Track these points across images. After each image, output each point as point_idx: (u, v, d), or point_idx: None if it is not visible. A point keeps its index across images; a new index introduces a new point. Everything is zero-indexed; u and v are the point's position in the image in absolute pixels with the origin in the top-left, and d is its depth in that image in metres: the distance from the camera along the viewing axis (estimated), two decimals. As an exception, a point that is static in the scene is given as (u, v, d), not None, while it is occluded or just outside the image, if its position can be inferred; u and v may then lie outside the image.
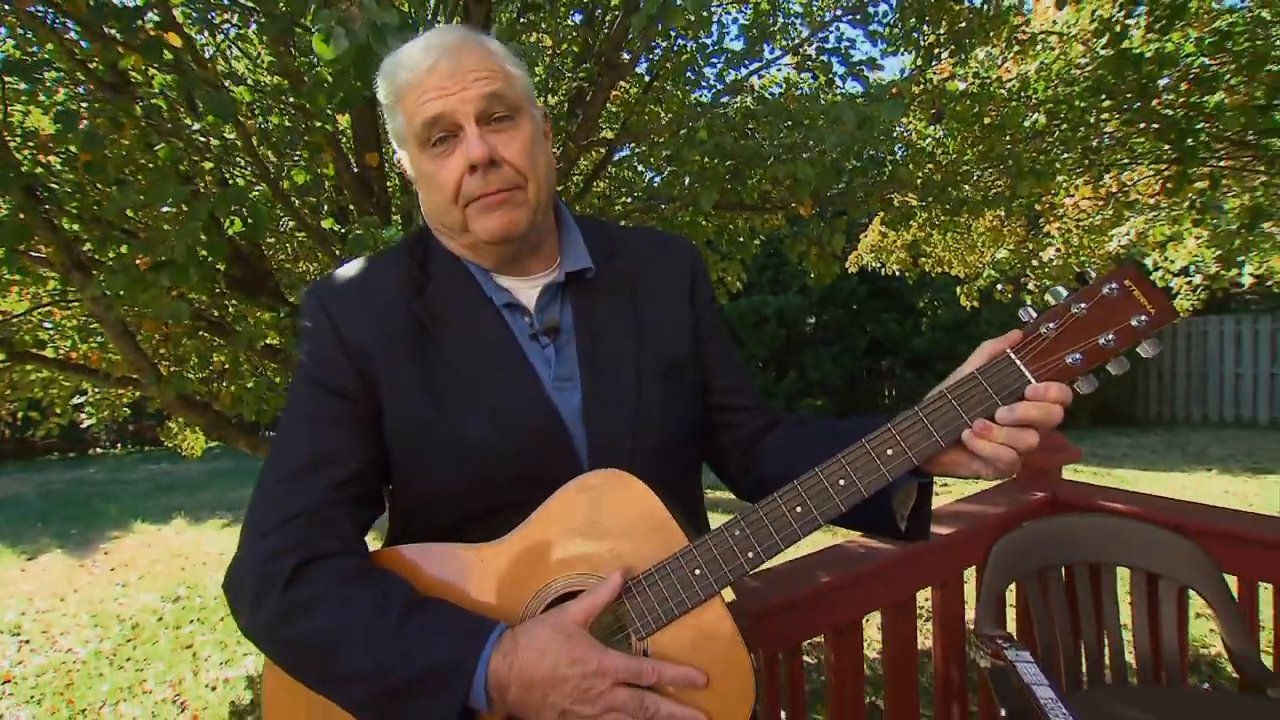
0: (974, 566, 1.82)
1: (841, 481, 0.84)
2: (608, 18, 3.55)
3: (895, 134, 4.69)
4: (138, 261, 1.67)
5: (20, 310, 3.22)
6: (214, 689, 4.20)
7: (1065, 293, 0.84)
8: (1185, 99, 3.50)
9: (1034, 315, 0.83)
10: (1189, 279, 6.57)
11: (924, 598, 1.82)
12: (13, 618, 5.49)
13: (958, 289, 7.06)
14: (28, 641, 5.05)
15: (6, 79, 2.20)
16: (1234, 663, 1.53)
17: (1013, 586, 1.75)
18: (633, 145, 3.86)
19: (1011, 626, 1.99)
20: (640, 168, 4.67)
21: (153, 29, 1.79)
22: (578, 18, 3.89)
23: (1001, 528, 1.76)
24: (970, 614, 1.85)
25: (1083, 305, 0.81)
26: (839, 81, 3.95)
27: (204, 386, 2.41)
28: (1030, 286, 6.69)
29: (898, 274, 6.94)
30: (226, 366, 2.47)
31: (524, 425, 0.93)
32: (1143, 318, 0.80)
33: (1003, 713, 1.29)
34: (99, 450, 13.71)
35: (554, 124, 3.83)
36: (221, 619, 5.24)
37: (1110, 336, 0.80)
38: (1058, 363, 0.81)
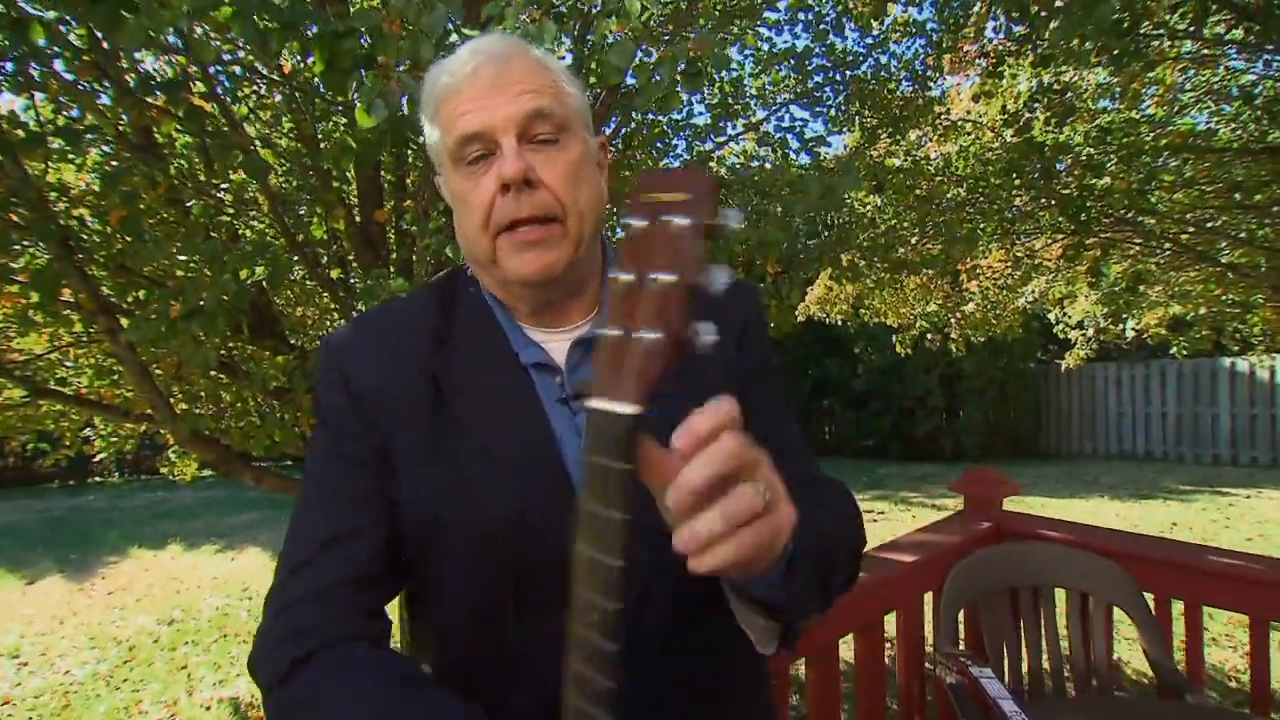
0: (930, 591, 1.83)
1: None
2: (596, 88, 3.62)
3: (847, 202, 4.87)
4: (169, 309, 1.62)
5: (41, 350, 3.10)
6: (208, 709, 3.97)
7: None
8: (1079, 181, 3.69)
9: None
10: (1084, 332, 6.86)
11: (890, 621, 1.81)
12: (12, 640, 5.15)
13: (894, 337, 7.24)
14: (26, 664, 4.73)
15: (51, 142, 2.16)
16: (1154, 670, 1.56)
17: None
18: (610, 207, 3.90)
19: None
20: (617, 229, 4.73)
21: (193, 98, 1.77)
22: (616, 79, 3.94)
23: (954, 556, 1.78)
24: (929, 633, 1.86)
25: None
26: (794, 155, 4.10)
27: (214, 423, 2.34)
28: (954, 335, 6.91)
29: (840, 322, 7.07)
30: (236, 404, 2.39)
31: (544, 510, 0.73)
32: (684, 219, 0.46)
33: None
34: (99, 479, 13.07)
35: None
36: (215, 641, 4.98)
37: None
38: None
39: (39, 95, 2.10)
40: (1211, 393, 10.24)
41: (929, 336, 6.71)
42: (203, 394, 2.71)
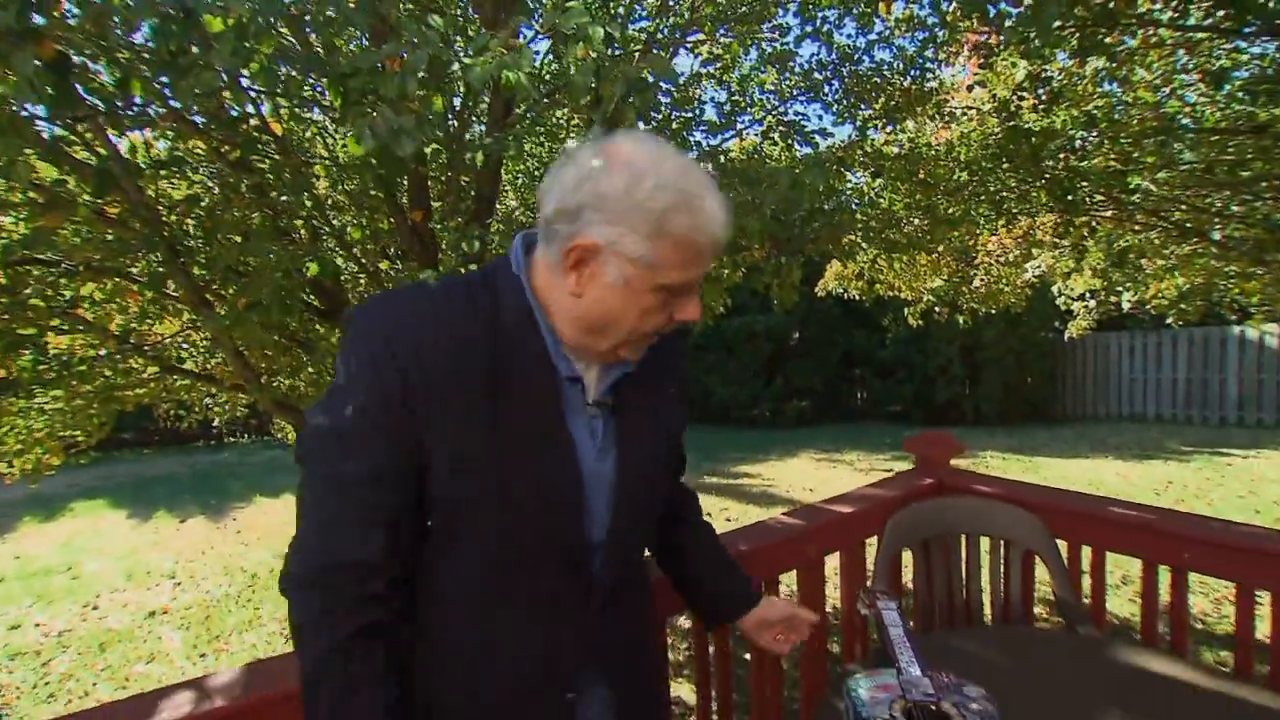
0: (874, 537, 1.87)
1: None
2: (612, 104, 3.65)
3: (850, 187, 4.75)
4: (239, 302, 1.80)
5: (169, 333, 3.42)
6: (310, 624, 4.36)
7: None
8: (1066, 163, 3.51)
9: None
10: (1086, 303, 6.50)
11: (834, 561, 1.87)
12: (169, 565, 5.74)
13: (905, 310, 7.05)
14: (179, 583, 5.28)
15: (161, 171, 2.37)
16: (1059, 607, 1.57)
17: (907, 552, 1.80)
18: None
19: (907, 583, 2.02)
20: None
21: (249, 128, 1.92)
22: (586, 98, 3.99)
23: (898, 506, 1.81)
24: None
25: None
26: (797, 147, 4.02)
27: (293, 392, 2.54)
28: (963, 307, 6.67)
29: (858, 298, 6.94)
30: (312, 375, 2.60)
31: (561, 499, 0.82)
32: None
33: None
34: (232, 440, 14.06)
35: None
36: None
37: None
38: None
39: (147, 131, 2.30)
40: (1221, 359, 9.56)
41: (936, 310, 6.50)
42: (287, 368, 2.94)
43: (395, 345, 0.75)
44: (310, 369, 2.58)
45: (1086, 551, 1.69)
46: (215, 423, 4.10)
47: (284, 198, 2.07)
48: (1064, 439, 9.20)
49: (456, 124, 2.33)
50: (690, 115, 4.08)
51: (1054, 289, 6.40)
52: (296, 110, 2.46)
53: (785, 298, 4.03)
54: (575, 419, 0.83)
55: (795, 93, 4.19)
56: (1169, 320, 5.29)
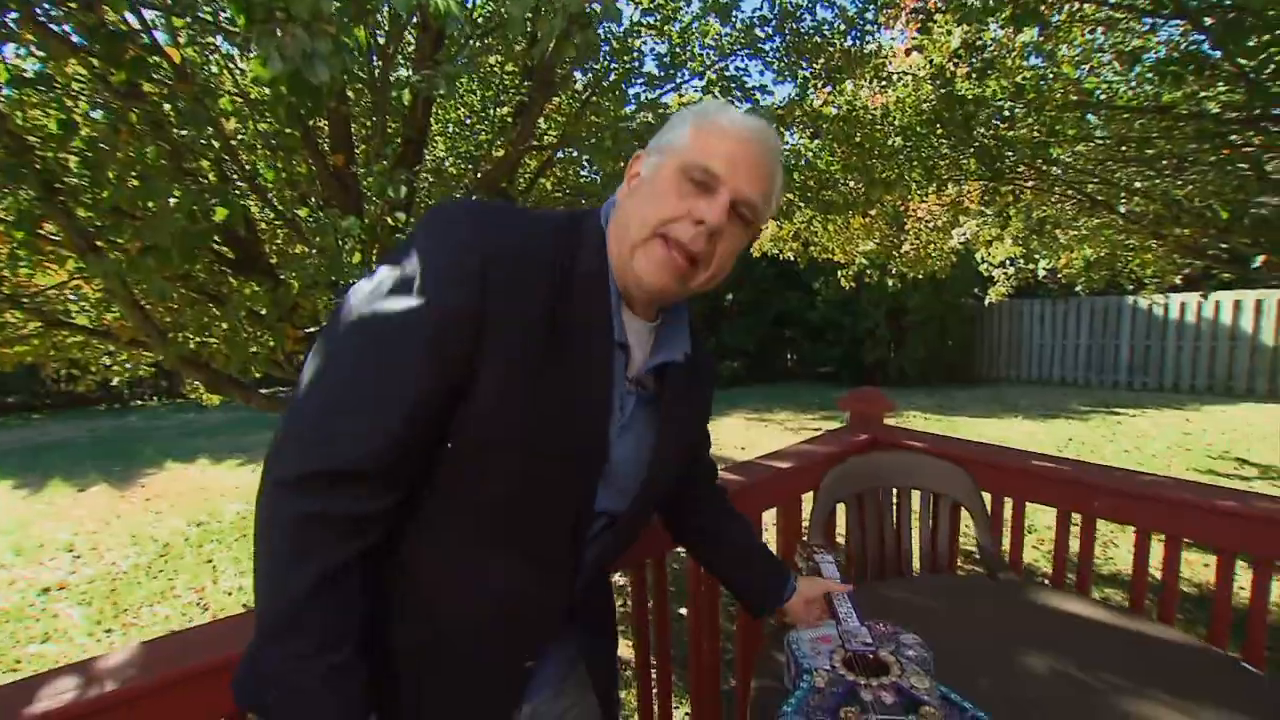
0: (811, 492, 1.91)
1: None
2: (550, 45, 3.48)
3: (788, 147, 4.74)
4: (134, 247, 1.60)
5: (52, 284, 3.07)
6: (230, 594, 4.16)
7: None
8: (995, 132, 3.62)
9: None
10: (1006, 270, 6.86)
11: (771, 517, 1.90)
12: (66, 537, 5.32)
13: (838, 272, 7.22)
14: (79, 556, 4.91)
15: (25, 90, 2.07)
16: (981, 556, 1.66)
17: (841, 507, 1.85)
18: (568, 149, 3.82)
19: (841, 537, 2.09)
20: (578, 168, 4.63)
21: (136, 50, 1.69)
22: (523, 42, 3.80)
23: (833, 462, 1.84)
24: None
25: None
26: (737, 103, 3.97)
27: (200, 348, 2.33)
28: (893, 271, 6.89)
29: (794, 259, 7.05)
30: (224, 330, 2.39)
31: (585, 463, 0.79)
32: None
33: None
34: (139, 402, 13.09)
35: (500, 130, 3.81)
36: (236, 540, 5.14)
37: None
38: None
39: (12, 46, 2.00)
40: (1116, 327, 10.39)
41: (868, 272, 6.69)
42: (194, 323, 2.70)
43: (486, 261, 0.70)
44: (223, 324, 2.37)
45: (1008, 502, 1.79)
46: (115, 383, 3.75)
47: (183, 133, 1.84)
48: (980, 399, 9.81)
49: (380, 62, 2.14)
50: (629, 66, 3.95)
51: (977, 256, 6.69)
52: (194, 34, 2.19)
53: (724, 258, 4.01)
54: (619, 389, 0.83)
55: (736, 48, 4.12)
56: (1078, 288, 5.63)
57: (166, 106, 2.12)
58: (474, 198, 3.30)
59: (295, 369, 2.83)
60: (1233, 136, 3.37)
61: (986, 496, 1.77)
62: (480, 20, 3.00)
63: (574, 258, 0.77)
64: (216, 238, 2.15)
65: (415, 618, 0.79)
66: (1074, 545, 1.72)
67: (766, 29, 4.04)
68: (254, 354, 2.21)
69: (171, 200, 1.76)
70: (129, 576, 4.48)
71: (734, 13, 3.50)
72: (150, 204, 1.89)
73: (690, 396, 0.93)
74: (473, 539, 0.78)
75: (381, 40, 2.02)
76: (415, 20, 2.34)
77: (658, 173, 0.78)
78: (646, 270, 0.76)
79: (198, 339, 2.42)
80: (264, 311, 2.20)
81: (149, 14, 2.35)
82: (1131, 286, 5.93)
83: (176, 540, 5.18)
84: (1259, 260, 3.82)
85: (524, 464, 0.74)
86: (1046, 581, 1.79)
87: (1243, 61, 2.75)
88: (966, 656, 1.08)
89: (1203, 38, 3.13)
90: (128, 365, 3.27)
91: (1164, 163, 3.58)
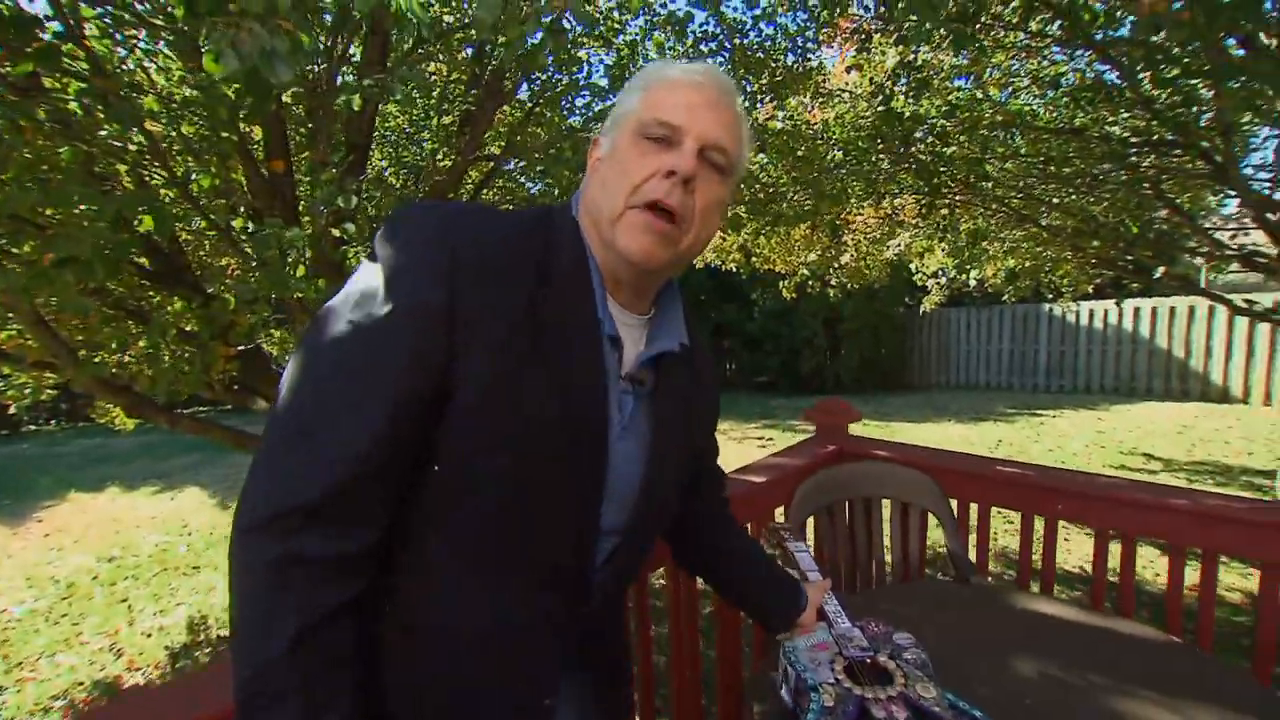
0: (782, 506, 1.92)
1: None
2: (495, 53, 3.42)
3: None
4: (43, 257, 1.43)
5: (-71, 300, 2.73)
6: (149, 635, 3.80)
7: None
8: (931, 149, 3.81)
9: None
10: (938, 280, 7.24)
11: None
12: (-60, 586, 4.74)
13: (780, 283, 7.40)
14: (-43, 604, 4.38)
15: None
16: (951, 560, 1.71)
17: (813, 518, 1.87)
18: (515, 160, 3.75)
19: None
20: (523, 180, 4.56)
21: (51, 38, 1.53)
22: (469, 51, 3.72)
23: (804, 474, 1.86)
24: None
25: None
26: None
27: (120, 370, 2.12)
28: (833, 282, 7.13)
29: (735, 270, 7.17)
30: (148, 351, 2.18)
31: (583, 467, 0.74)
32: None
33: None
34: (33, 427, 11.90)
35: (445, 140, 3.70)
36: (155, 575, 4.72)
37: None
38: None
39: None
40: (1035, 333, 11.15)
41: (810, 283, 6.90)
42: (112, 343, 2.47)
43: (455, 255, 0.67)
44: (142, 343, 2.16)
45: (973, 508, 1.85)
46: (12, 410, 3.37)
47: (102, 132, 1.68)
48: (913, 405, 10.26)
49: (326, 65, 2.03)
50: (577, 77, 3.93)
51: (911, 266, 7.01)
52: (108, 26, 2.01)
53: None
54: (613, 389, 0.78)
55: (683, 61, 4.18)
56: (1005, 297, 5.99)
57: (73, 104, 1.94)
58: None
59: (226, 389, 2.64)
60: (1134, 158, 3.69)
61: (953, 503, 1.83)
62: (443, 24, 2.91)
63: (550, 251, 0.74)
64: (134, 248, 1.97)
65: (416, 664, 0.72)
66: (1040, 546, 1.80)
67: (711, 44, 4.12)
68: (183, 374, 2.03)
69: (90, 208, 1.60)
70: (24, 624, 4.02)
71: (688, 25, 3.54)
72: (59, 211, 1.71)
73: (689, 394, 0.88)
74: (470, 566, 0.72)
75: (328, 43, 1.91)
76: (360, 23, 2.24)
77: (616, 145, 0.75)
78: (628, 242, 0.72)
79: (115, 359, 2.20)
80: (193, 329, 2.03)
81: None
82: (1051, 295, 6.35)
83: (82, 579, 4.71)
84: (1160, 271, 4.18)
85: (514, 469, 0.69)
86: (1013, 583, 1.85)
87: (1153, 91, 3.01)
88: (959, 663, 1.09)
89: (1105, 68, 3.43)
90: (26, 390, 2.94)
91: (1079, 181, 3.87)
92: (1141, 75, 2.89)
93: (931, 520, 1.89)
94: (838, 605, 1.15)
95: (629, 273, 0.76)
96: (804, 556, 1.27)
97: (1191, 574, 1.71)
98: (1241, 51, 2.48)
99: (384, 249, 0.68)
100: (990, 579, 1.94)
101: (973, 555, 1.91)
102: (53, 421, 11.93)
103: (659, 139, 0.72)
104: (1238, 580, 3.53)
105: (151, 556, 5.09)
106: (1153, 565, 3.73)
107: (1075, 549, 3.96)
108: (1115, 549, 1.65)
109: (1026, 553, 1.78)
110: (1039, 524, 1.75)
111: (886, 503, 1.93)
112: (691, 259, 0.80)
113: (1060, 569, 3.66)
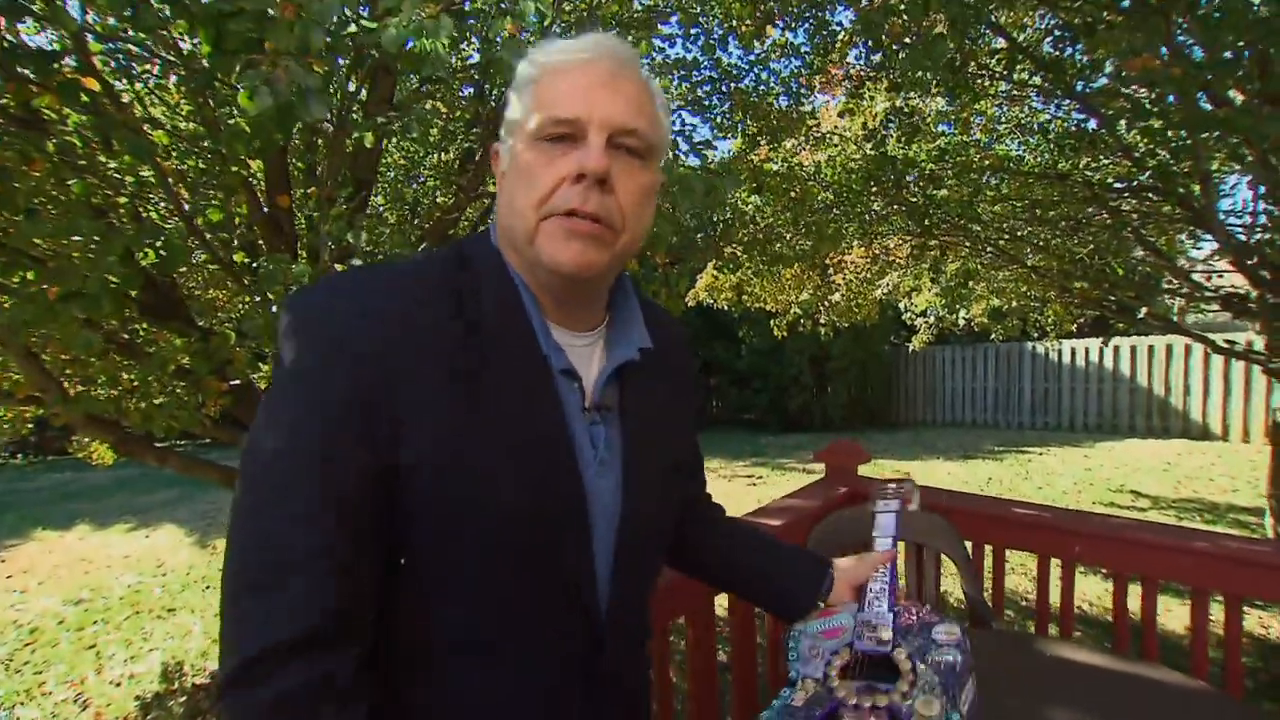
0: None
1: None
2: (494, 93, 3.48)
3: (728, 202, 4.94)
4: (46, 290, 1.40)
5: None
6: (119, 685, 3.60)
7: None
8: (923, 191, 3.92)
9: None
10: (927, 319, 7.37)
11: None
12: (-112, 632, 4.47)
13: (771, 322, 7.47)
14: (-92, 655, 4.13)
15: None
16: (968, 604, 1.68)
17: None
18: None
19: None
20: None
21: (70, 72, 1.53)
22: (468, 91, 3.79)
23: (817, 517, 1.84)
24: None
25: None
26: (683, 157, 4.10)
27: (111, 405, 2.06)
28: (822, 321, 7.22)
29: (725, 308, 7.21)
30: (136, 385, 2.12)
31: (561, 514, 0.69)
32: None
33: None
34: (-2, 461, 11.49)
35: (445, 179, 3.73)
36: (126, 618, 4.51)
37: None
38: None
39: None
40: (1019, 371, 11.34)
41: (801, 322, 6.98)
42: (102, 376, 2.41)
43: (347, 341, 0.62)
44: (131, 377, 2.11)
45: (988, 550, 1.84)
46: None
47: (114, 165, 1.66)
48: (901, 443, 10.31)
49: (339, 99, 2.05)
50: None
51: (900, 305, 7.13)
52: (121, 62, 2.02)
53: (674, 306, 4.06)
54: (577, 425, 0.71)
55: (679, 105, 4.29)
56: (993, 336, 6.09)
57: (71, 137, 1.93)
58: (423, 247, 3.19)
59: (215, 425, 2.57)
60: (1115, 202, 3.83)
61: (969, 545, 1.81)
62: (458, 64, 2.96)
63: (470, 294, 0.68)
64: (138, 283, 1.94)
65: None
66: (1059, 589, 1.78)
67: (707, 88, 4.25)
68: (179, 410, 1.97)
69: (93, 241, 1.57)
70: (-18, 675, 3.81)
71: (696, 70, 3.65)
72: (56, 243, 1.68)
73: (661, 398, 0.80)
74: (462, 644, 0.69)
75: (347, 81, 1.93)
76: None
77: (515, 155, 0.68)
78: (554, 254, 0.65)
79: (107, 394, 2.14)
80: (190, 365, 1.99)
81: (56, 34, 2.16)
82: (1036, 334, 6.48)
83: (47, 624, 4.48)
84: (1143, 311, 4.29)
85: (486, 544, 0.66)
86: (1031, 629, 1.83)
87: (1136, 140, 3.14)
88: (986, 714, 1.06)
89: (1084, 116, 3.59)
90: (5, 424, 2.85)
91: (1063, 224, 4.00)
92: (1119, 124, 3.02)
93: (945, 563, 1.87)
94: (885, 585, 0.97)
95: (566, 289, 0.70)
96: (887, 519, 1.15)
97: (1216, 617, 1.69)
98: (1210, 107, 2.59)
99: (286, 350, 0.64)
100: (1001, 624, 1.92)
101: (987, 598, 1.89)
102: (19, 456, 11.50)
103: (559, 138, 0.65)
104: (1254, 625, 3.53)
105: (123, 598, 4.88)
106: (1170, 610, 3.71)
107: (1082, 589, 3.95)
108: (1134, 590, 1.64)
109: (1045, 596, 1.76)
110: (1053, 565, 1.74)
111: (901, 545, 1.91)
112: (632, 255, 0.74)
113: (1077, 613, 3.64)
